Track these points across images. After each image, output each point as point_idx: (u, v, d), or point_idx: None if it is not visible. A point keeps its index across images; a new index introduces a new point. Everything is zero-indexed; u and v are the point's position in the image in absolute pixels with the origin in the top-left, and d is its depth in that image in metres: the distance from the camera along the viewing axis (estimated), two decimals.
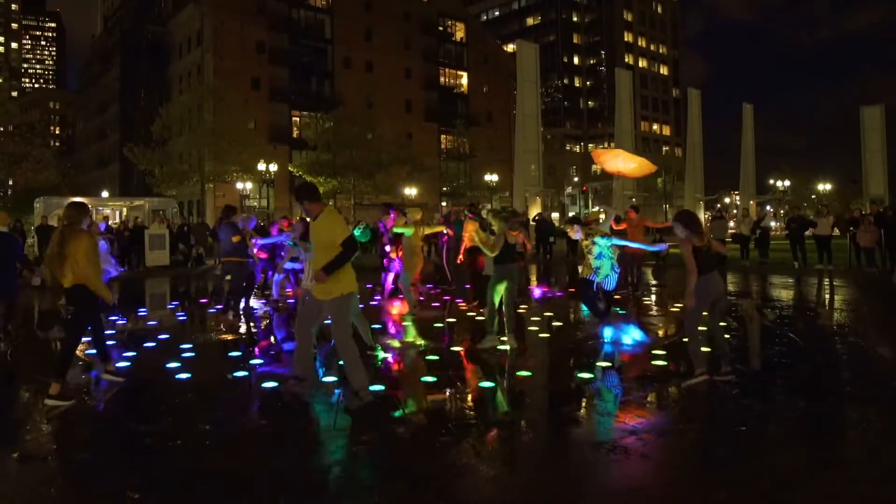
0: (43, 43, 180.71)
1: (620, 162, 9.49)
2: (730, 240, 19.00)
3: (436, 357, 6.50)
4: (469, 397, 5.25)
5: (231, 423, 4.61)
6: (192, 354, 6.77)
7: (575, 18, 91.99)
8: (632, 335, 7.08)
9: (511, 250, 6.94)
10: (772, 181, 58.20)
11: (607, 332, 7.11)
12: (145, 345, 7.28)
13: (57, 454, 4.09)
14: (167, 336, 7.86)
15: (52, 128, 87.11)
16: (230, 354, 6.76)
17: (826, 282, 13.64)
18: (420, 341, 7.14)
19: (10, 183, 37.74)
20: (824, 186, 57.72)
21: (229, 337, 7.85)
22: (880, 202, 29.65)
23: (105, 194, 41.80)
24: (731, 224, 24.19)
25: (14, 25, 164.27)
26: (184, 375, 5.88)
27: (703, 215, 38.96)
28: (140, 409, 5.03)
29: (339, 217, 5.18)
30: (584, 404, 4.98)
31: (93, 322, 5.58)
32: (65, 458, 4.04)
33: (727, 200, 67.28)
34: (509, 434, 4.35)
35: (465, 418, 4.73)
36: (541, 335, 7.77)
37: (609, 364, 6.17)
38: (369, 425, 4.42)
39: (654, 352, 6.59)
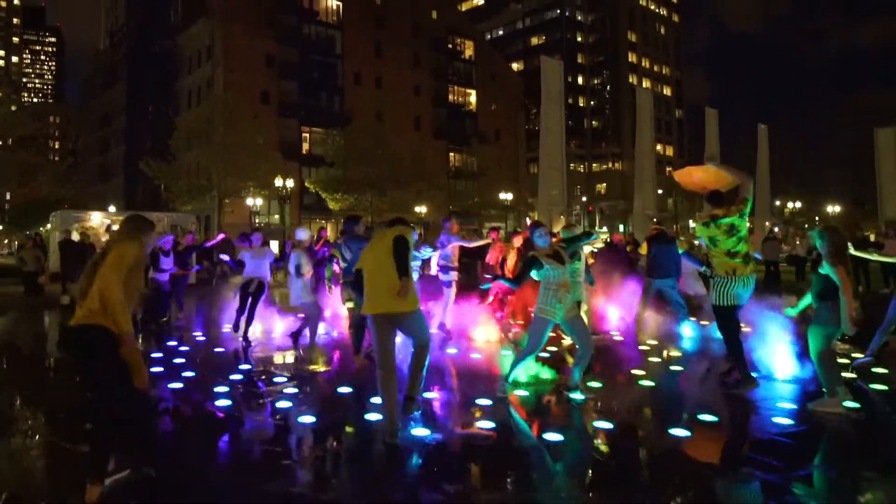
0: (43, 57, 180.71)
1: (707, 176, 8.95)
2: (784, 262, 18.37)
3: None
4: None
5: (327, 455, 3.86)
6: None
7: (579, 39, 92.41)
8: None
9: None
10: (778, 203, 57.85)
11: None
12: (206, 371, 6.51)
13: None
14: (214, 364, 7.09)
15: (51, 142, 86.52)
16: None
17: None
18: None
19: (8, 197, 36.76)
20: (833, 208, 57.32)
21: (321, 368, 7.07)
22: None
23: (112, 209, 40.90)
24: (784, 246, 23.50)
25: (15, 39, 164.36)
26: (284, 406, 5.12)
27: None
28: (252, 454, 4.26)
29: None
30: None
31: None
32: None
33: None
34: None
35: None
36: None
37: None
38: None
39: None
